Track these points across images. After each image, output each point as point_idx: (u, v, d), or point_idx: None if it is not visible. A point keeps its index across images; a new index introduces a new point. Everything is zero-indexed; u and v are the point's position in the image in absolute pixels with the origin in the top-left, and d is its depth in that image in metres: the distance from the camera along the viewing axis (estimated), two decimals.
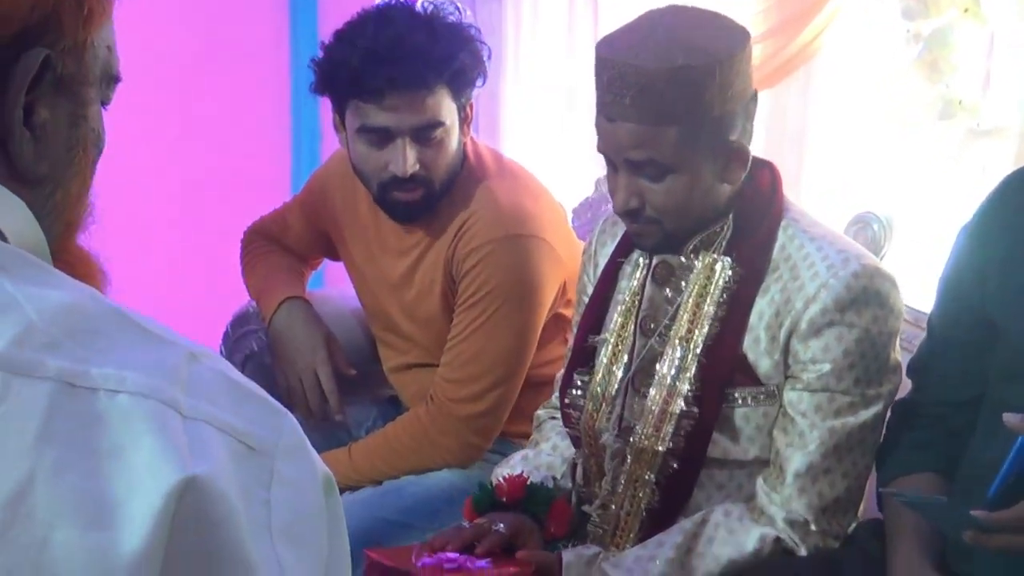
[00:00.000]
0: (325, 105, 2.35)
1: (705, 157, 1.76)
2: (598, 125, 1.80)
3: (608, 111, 1.75)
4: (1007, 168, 2.13)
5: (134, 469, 0.66)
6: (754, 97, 1.84)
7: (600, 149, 1.82)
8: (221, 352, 2.67)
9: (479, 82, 2.26)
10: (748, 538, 1.74)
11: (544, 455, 2.04)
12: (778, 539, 1.73)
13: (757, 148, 2.15)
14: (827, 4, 2.36)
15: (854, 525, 1.81)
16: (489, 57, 2.28)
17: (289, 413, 0.75)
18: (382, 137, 2.14)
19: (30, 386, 0.65)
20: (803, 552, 1.73)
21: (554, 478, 1.96)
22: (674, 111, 1.72)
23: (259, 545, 0.69)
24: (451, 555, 1.76)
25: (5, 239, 0.73)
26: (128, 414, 0.67)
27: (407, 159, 2.12)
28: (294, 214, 2.55)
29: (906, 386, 1.85)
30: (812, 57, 2.44)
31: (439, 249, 2.26)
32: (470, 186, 2.26)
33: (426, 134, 2.14)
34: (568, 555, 1.74)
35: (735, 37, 1.79)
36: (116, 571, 0.64)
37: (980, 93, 2.20)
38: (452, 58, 2.14)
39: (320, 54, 2.20)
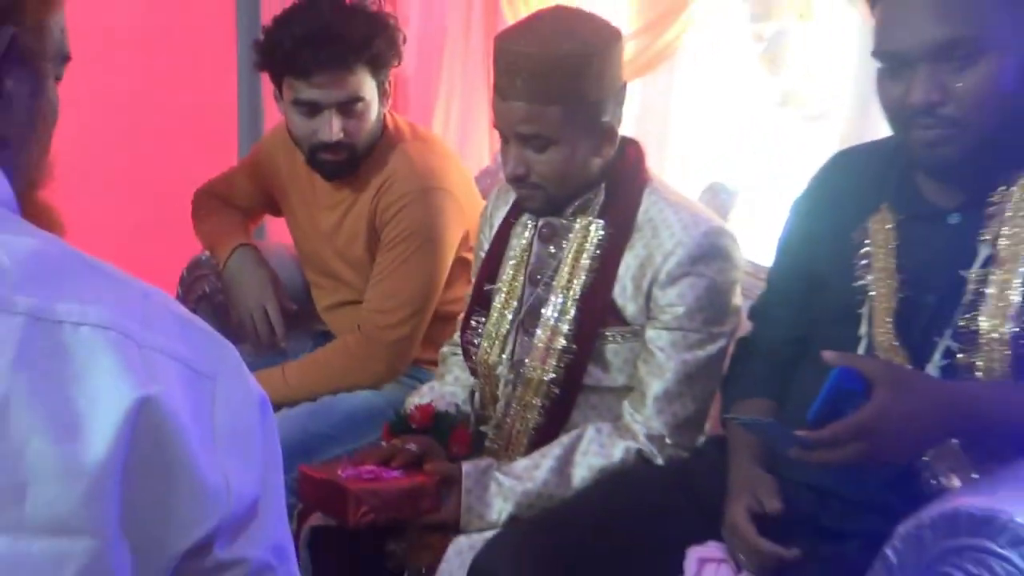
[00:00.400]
0: (267, 80, 2.37)
1: (581, 134, 1.78)
2: (494, 104, 1.82)
3: (503, 92, 1.77)
4: (833, 147, 2.18)
5: (97, 390, 0.66)
6: (623, 87, 1.87)
7: (495, 125, 1.85)
8: (177, 294, 2.68)
9: (395, 63, 2.28)
10: (615, 450, 1.78)
11: (448, 386, 2.06)
12: (640, 451, 1.78)
13: (629, 127, 2.18)
14: (687, 8, 2.40)
15: (702, 440, 1.86)
16: (404, 42, 2.31)
17: (229, 343, 0.77)
18: (312, 109, 2.17)
19: (4, 321, 0.66)
20: (660, 461, 1.78)
21: (457, 405, 1.98)
22: (557, 93, 1.73)
23: (206, 455, 0.70)
24: (370, 467, 1.78)
25: None
26: (90, 343, 0.67)
27: (332, 128, 2.16)
28: (241, 176, 2.57)
29: (747, 327, 1.88)
30: (675, 53, 2.47)
31: (363, 202, 2.30)
32: (388, 150, 2.29)
33: (349, 107, 2.17)
34: (467, 466, 1.77)
35: (609, 34, 1.81)
36: (82, 476, 0.65)
37: (810, 85, 2.24)
38: (370, 43, 2.16)
39: (261, 37, 2.23)
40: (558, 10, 1.86)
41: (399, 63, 2.31)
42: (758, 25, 2.24)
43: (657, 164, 2.49)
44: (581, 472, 1.77)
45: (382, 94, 2.25)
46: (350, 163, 2.25)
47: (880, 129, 2.13)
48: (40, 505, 0.64)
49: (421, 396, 2.02)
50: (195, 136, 3.55)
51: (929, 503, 1.31)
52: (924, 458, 1.46)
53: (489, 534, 1.71)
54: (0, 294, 0.67)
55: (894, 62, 1.46)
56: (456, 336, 2.11)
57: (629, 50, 2.47)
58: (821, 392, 1.36)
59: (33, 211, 0.78)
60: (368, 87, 2.19)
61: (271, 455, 0.76)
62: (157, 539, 0.69)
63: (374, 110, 2.23)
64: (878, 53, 1.48)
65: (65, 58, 0.82)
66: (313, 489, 1.82)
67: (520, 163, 1.78)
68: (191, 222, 2.56)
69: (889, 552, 1.30)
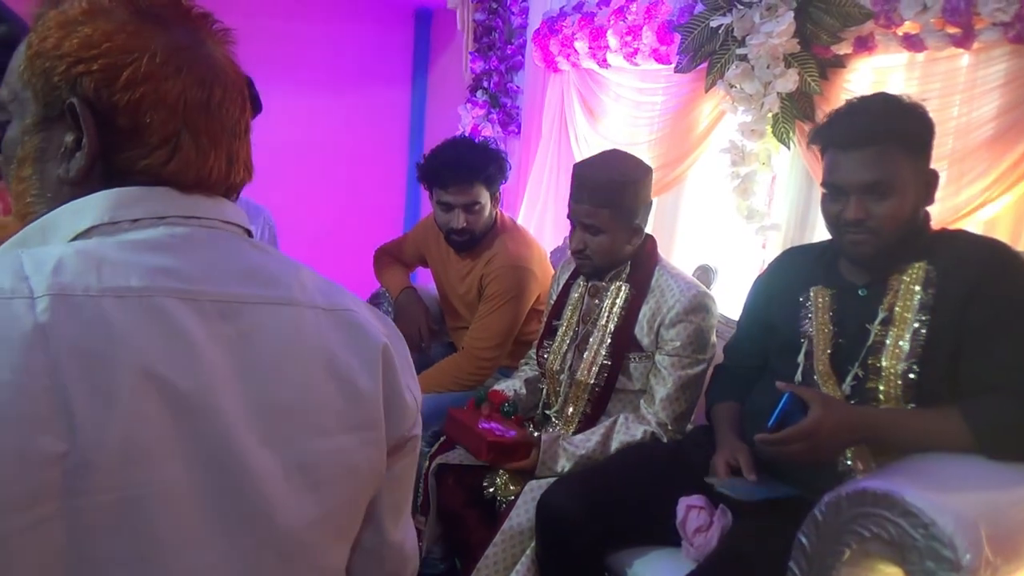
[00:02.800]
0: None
1: (621, 228, 1.77)
2: (570, 204, 1.81)
3: (577, 197, 1.77)
4: (779, 246, 2.15)
5: (367, 344, 0.70)
6: (650, 203, 1.85)
7: (569, 216, 1.83)
8: None
9: (503, 181, 2.27)
10: (637, 431, 1.74)
11: (515, 381, 2.04)
12: (653, 433, 1.73)
13: (650, 226, 2.14)
14: (691, 155, 2.36)
15: (691, 427, 1.81)
16: (510, 169, 2.30)
17: (391, 321, 0.80)
18: (447, 207, 2.17)
19: (314, 311, 0.69)
20: (665, 440, 1.74)
21: (515, 391, 1.98)
22: (609, 201, 1.74)
23: (406, 377, 0.74)
24: (495, 424, 1.78)
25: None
26: (355, 320, 0.71)
27: (459, 221, 2.17)
28: (406, 243, 2.56)
29: (721, 358, 1.81)
30: (682, 181, 2.44)
31: (477, 269, 2.27)
32: (495, 237, 2.27)
33: (470, 207, 2.17)
34: (544, 436, 1.74)
35: (644, 170, 1.81)
36: (376, 397, 0.70)
37: (767, 206, 2.18)
38: (485, 168, 2.16)
39: (421, 161, 2.22)
40: (615, 151, 1.85)
41: (506, 181, 2.31)
42: (736, 168, 2.19)
43: (668, 249, 2.46)
44: (615, 444, 1.73)
45: (493, 200, 2.24)
46: (470, 242, 2.23)
47: (807, 236, 2.10)
48: (362, 414, 0.69)
49: (497, 385, 2.04)
50: (378, 214, 3.61)
51: (843, 482, 1.26)
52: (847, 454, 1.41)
53: (552, 480, 1.68)
54: (308, 297, 0.69)
55: (835, 191, 1.44)
56: (531, 353, 2.11)
57: (654, 179, 2.45)
58: (775, 409, 1.34)
59: None
60: (483, 195, 2.18)
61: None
62: (392, 429, 0.72)
63: (487, 210, 2.22)
64: (826, 184, 1.46)
65: None
66: (455, 428, 1.82)
67: (581, 242, 1.79)
68: (372, 268, 2.58)
69: (816, 513, 1.24)
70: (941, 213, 1.82)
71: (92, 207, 0.62)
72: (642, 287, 1.80)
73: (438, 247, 2.38)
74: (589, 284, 1.88)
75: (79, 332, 0.53)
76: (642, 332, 1.77)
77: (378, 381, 0.70)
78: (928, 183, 1.41)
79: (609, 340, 1.79)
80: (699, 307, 1.75)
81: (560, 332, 1.91)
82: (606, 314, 1.81)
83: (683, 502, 1.55)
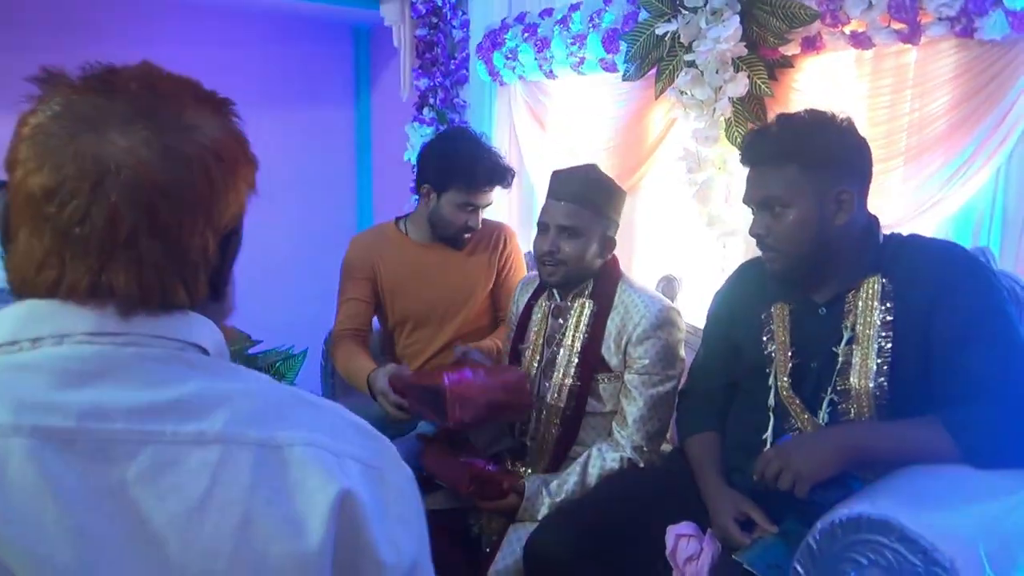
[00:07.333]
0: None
1: (595, 237, 1.73)
2: (546, 204, 1.76)
3: (556, 194, 1.73)
4: (741, 252, 2.11)
5: (311, 493, 0.58)
6: (618, 224, 1.81)
7: (540, 219, 1.76)
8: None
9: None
10: (611, 460, 1.68)
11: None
12: (629, 458, 1.68)
13: None
14: (645, 163, 2.32)
15: (669, 449, 1.76)
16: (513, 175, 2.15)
17: (386, 439, 0.67)
18: (473, 210, 2.08)
19: (241, 450, 0.57)
20: (642, 464, 1.68)
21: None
22: (592, 202, 1.71)
23: (382, 528, 0.61)
24: (479, 460, 1.70)
25: (207, 352, 0.62)
26: (302, 458, 0.59)
27: (477, 219, 2.10)
28: (350, 279, 2.19)
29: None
30: (637, 191, 2.39)
31: (481, 247, 2.22)
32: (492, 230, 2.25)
33: (486, 208, 2.12)
34: (528, 485, 1.69)
35: (623, 190, 1.81)
36: (309, 563, 0.56)
37: (726, 211, 2.13)
38: (506, 177, 2.09)
39: (426, 156, 2.12)
40: (592, 165, 1.81)
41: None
42: (692, 175, 2.15)
43: (627, 261, 2.41)
44: (592, 479, 1.67)
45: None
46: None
47: None
48: None
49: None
50: (329, 235, 3.50)
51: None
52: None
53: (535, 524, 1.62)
54: (237, 431, 0.57)
55: (749, 208, 1.47)
56: None
57: None
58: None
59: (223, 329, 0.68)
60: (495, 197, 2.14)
61: (422, 515, 0.66)
62: None
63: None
64: (743, 202, 1.49)
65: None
66: (435, 460, 1.73)
67: (554, 245, 1.72)
68: (333, 365, 2.20)
69: (810, 541, 1.20)
70: (904, 209, 1.81)
71: (2, 320, 0.58)
72: (606, 303, 1.74)
73: (397, 249, 2.16)
74: (552, 305, 1.83)
75: None
76: (609, 352, 1.72)
77: (325, 540, 0.57)
78: (840, 200, 1.38)
79: (576, 360, 1.73)
80: (666, 322, 1.71)
81: (527, 357, 1.85)
82: (571, 333, 1.75)
83: (672, 531, 1.50)
